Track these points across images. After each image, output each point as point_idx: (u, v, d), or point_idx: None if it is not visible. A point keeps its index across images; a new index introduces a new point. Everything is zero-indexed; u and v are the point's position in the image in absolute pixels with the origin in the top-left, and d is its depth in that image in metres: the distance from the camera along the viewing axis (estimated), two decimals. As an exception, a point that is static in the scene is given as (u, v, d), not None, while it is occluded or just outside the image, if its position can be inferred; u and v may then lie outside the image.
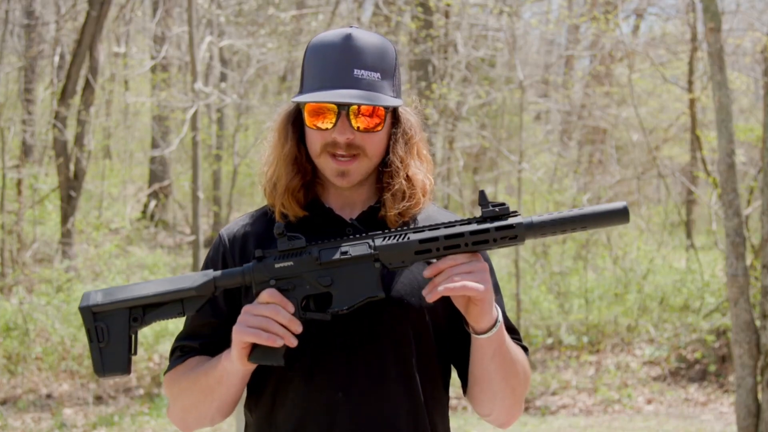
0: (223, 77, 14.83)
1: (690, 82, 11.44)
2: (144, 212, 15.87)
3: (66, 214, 11.26)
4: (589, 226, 1.63)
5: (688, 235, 12.41)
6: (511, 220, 1.64)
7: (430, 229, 1.65)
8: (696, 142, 11.28)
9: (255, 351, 1.66)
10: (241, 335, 1.64)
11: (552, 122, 17.49)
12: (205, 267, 1.89)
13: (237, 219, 1.94)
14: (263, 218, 1.90)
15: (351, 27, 1.80)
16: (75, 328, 9.18)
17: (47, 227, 13.02)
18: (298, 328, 1.64)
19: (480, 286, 1.61)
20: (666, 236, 13.07)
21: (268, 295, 1.64)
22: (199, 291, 1.68)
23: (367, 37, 1.78)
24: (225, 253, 1.87)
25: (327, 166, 1.80)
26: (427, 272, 1.64)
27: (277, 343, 1.63)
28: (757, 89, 13.37)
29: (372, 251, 1.65)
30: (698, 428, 7.54)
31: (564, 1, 11.45)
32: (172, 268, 12.40)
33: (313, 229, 1.84)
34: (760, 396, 5.64)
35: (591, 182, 13.35)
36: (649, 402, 8.61)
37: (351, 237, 1.68)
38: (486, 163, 15.40)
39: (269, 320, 1.63)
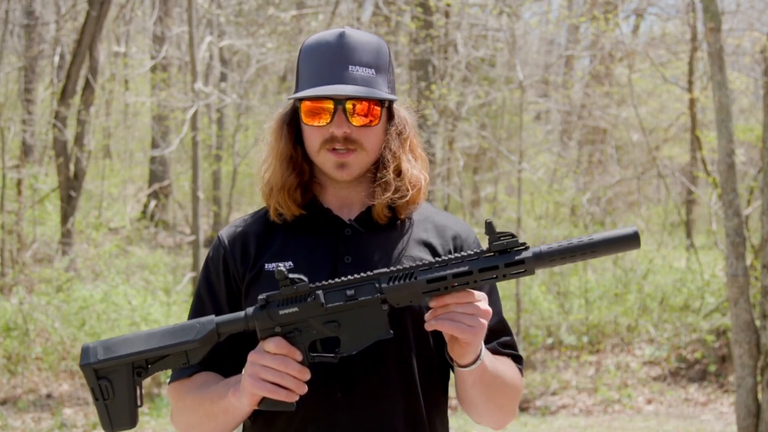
0: (223, 77, 14.83)
1: (690, 82, 11.43)
2: (144, 212, 15.87)
3: (66, 214, 11.26)
4: (599, 254, 1.60)
5: (688, 235, 12.41)
6: (519, 256, 1.61)
7: (438, 267, 1.63)
8: (696, 142, 11.28)
9: (266, 399, 1.65)
10: (256, 389, 1.62)
11: (552, 122, 17.48)
12: (206, 269, 1.89)
13: (235, 220, 1.94)
14: (262, 219, 1.90)
15: (342, 27, 1.82)
16: (75, 328, 9.18)
17: (47, 227, 13.02)
18: (307, 375, 1.64)
19: (469, 334, 1.62)
20: (666, 236, 13.08)
21: (275, 345, 1.62)
22: (203, 342, 1.66)
23: (360, 35, 1.80)
24: (225, 255, 1.86)
25: (327, 160, 1.80)
26: (433, 303, 1.64)
27: (293, 399, 1.63)
28: (757, 89, 13.37)
29: (379, 294, 1.63)
30: (698, 428, 7.54)
31: (564, 1, 11.44)
32: (172, 268, 12.40)
33: (312, 229, 1.84)
34: (760, 396, 5.64)
35: (591, 182, 13.35)
36: (649, 402, 8.61)
37: (355, 276, 1.65)
38: (486, 163, 15.41)
39: (282, 374, 1.62)
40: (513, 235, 1.61)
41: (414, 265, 1.64)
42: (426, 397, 1.81)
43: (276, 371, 1.62)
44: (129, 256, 13.05)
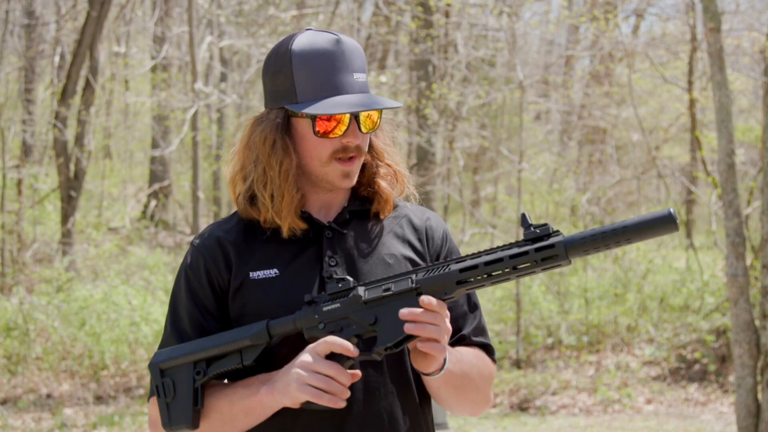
0: (223, 77, 14.84)
1: (690, 82, 11.43)
2: (144, 212, 15.88)
3: (66, 214, 11.27)
4: (635, 239, 1.56)
5: (688, 235, 12.41)
6: (551, 240, 1.59)
7: (470, 258, 1.65)
8: (696, 142, 11.29)
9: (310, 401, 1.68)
10: (302, 393, 1.63)
11: (552, 122, 17.50)
12: (185, 279, 1.83)
13: (205, 230, 1.89)
14: (237, 227, 1.86)
15: (308, 29, 1.82)
16: (75, 328, 9.18)
17: (47, 227, 13.03)
18: (352, 379, 1.67)
19: (437, 351, 1.64)
20: (666, 236, 13.07)
21: (328, 345, 1.64)
22: (254, 340, 1.72)
23: (349, 40, 1.82)
24: (206, 263, 1.81)
25: (334, 170, 1.80)
26: (404, 312, 1.64)
27: (337, 405, 1.64)
28: (757, 89, 13.37)
29: (413, 285, 1.67)
30: (698, 428, 7.54)
31: (564, 1, 11.45)
32: (172, 268, 12.40)
33: (292, 234, 1.82)
34: (760, 396, 5.65)
35: (591, 182, 13.36)
36: (649, 402, 8.61)
37: (394, 276, 1.70)
38: (486, 163, 15.43)
39: (330, 381, 1.63)
40: (546, 225, 1.60)
41: (448, 259, 1.69)
42: (420, 394, 1.84)
43: (325, 377, 1.63)
44: (129, 256, 13.05)
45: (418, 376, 1.83)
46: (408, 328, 1.63)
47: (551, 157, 14.04)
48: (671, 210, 1.54)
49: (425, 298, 1.63)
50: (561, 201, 12.39)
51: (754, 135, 9.96)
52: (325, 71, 1.76)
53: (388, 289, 1.67)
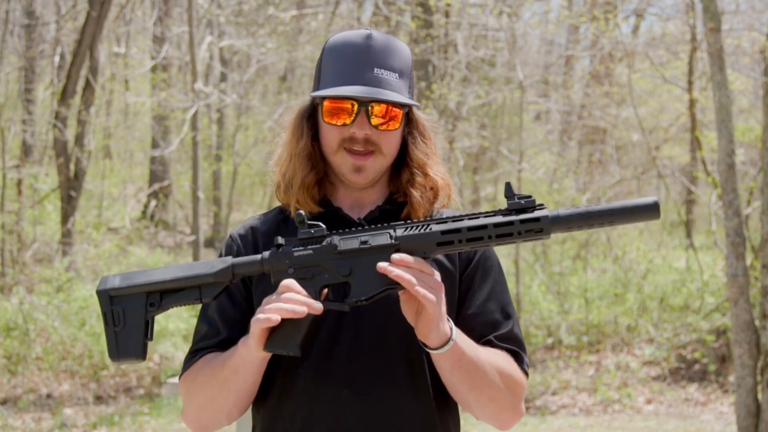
0: (223, 77, 14.84)
1: (690, 82, 11.43)
2: (144, 212, 15.88)
3: (66, 214, 11.27)
4: (617, 222, 1.58)
5: (688, 235, 12.41)
6: (536, 213, 1.59)
7: (453, 221, 1.62)
8: (696, 142, 11.29)
9: (272, 339, 1.62)
10: (262, 321, 1.61)
11: (552, 122, 17.49)
12: None
13: (246, 221, 1.94)
14: (275, 218, 1.91)
15: (367, 29, 1.83)
16: (75, 328, 9.18)
17: (47, 227, 13.02)
18: (318, 305, 1.62)
19: (431, 297, 1.59)
20: (665, 236, 13.08)
21: (287, 285, 1.62)
22: (217, 278, 1.66)
23: (386, 39, 1.82)
24: (239, 251, 1.86)
25: (343, 161, 1.81)
26: (381, 266, 1.60)
27: (299, 313, 1.59)
28: (757, 89, 13.37)
29: (392, 241, 1.63)
30: (698, 428, 7.54)
31: (564, 1, 11.45)
32: (172, 268, 12.38)
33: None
34: (760, 396, 5.65)
35: (591, 182, 13.35)
36: (648, 402, 8.61)
37: (372, 227, 1.66)
38: (486, 163, 15.41)
39: (288, 302, 1.61)
40: (530, 197, 1.59)
41: (429, 219, 1.65)
42: (437, 393, 1.80)
43: (283, 302, 1.61)
44: (129, 256, 13.05)
45: (436, 379, 1.78)
46: (392, 274, 1.58)
47: (551, 157, 14.03)
48: (656, 199, 1.58)
49: (397, 257, 1.59)
50: (561, 201, 12.37)
51: (754, 135, 9.95)
52: (345, 61, 1.78)
53: (365, 242, 1.63)
